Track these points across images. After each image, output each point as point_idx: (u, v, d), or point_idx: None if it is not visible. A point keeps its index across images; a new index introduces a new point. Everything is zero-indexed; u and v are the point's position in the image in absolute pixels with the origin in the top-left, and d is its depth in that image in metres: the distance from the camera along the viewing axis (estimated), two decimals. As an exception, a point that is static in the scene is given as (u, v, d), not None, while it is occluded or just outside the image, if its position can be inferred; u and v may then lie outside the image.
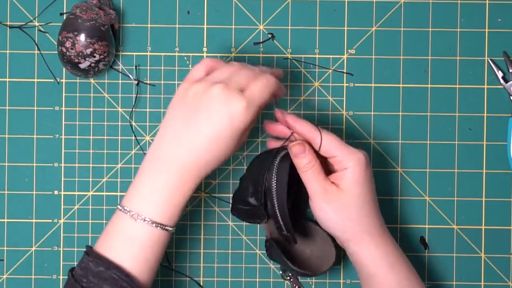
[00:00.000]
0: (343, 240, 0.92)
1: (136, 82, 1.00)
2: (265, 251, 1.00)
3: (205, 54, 1.01)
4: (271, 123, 0.95)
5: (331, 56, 1.02)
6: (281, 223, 0.92)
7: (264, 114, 1.00)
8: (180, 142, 0.88)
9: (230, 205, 0.98)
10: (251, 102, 0.87)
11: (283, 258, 0.95)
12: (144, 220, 0.87)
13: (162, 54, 1.01)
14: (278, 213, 0.91)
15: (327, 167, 0.94)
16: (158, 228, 0.87)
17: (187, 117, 0.88)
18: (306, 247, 0.98)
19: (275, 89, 0.89)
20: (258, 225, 1.01)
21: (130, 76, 1.01)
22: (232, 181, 1.01)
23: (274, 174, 0.92)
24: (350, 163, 0.91)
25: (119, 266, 0.86)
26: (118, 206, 0.89)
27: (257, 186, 0.92)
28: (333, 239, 0.95)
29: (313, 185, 0.91)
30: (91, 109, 1.01)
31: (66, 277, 1.01)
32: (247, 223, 1.01)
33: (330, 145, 0.91)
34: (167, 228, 0.88)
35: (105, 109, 1.01)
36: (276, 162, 0.92)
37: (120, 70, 1.01)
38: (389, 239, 0.93)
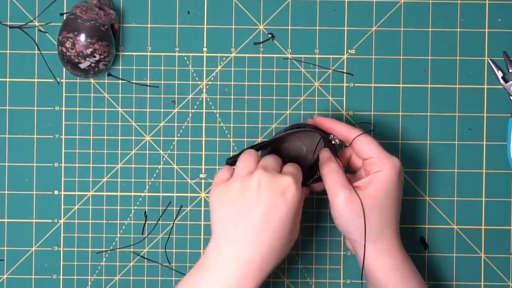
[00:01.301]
0: (360, 245, 0.91)
1: (108, 75, 1.00)
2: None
3: (205, 54, 1.02)
4: (312, 120, 0.97)
5: (331, 56, 1.02)
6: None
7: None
8: (239, 241, 0.85)
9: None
10: (295, 177, 0.87)
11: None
12: None
13: (162, 54, 1.01)
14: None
15: (355, 174, 0.95)
16: None
17: (237, 214, 0.85)
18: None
19: (301, 177, 0.90)
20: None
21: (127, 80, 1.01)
22: (232, 181, 1.01)
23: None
24: (384, 166, 0.91)
25: None
26: None
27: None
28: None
29: (336, 186, 0.90)
30: (91, 109, 1.01)
31: (66, 277, 1.01)
32: None
33: (369, 145, 0.92)
34: None
35: (105, 109, 1.01)
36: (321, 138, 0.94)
37: (119, 76, 1.01)
38: (402, 251, 0.93)
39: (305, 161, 0.97)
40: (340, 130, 0.93)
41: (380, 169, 0.91)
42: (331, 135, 0.94)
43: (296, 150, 0.97)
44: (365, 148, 0.92)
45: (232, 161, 0.92)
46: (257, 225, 0.85)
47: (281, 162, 0.91)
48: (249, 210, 0.85)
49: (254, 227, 0.85)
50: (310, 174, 0.95)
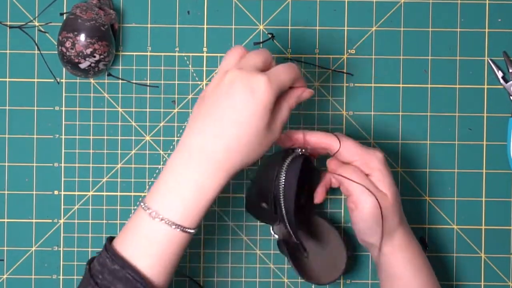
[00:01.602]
0: (373, 241, 0.92)
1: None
2: (265, 251, 1.00)
3: (205, 54, 1.01)
4: (284, 135, 0.92)
5: (331, 56, 1.02)
6: (290, 230, 0.91)
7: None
8: (205, 132, 0.83)
9: (244, 204, 0.97)
10: (272, 77, 0.84)
11: (291, 264, 0.95)
12: (162, 219, 0.82)
13: (162, 54, 1.01)
14: (286, 221, 0.91)
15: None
16: (177, 229, 0.82)
17: (209, 109, 0.84)
18: (317, 254, 0.98)
19: (296, 75, 0.86)
20: (258, 224, 1.01)
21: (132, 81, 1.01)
22: (232, 181, 1.01)
23: (282, 183, 0.89)
24: (373, 165, 0.91)
25: (133, 266, 0.82)
26: (140, 203, 0.84)
27: (267, 193, 0.91)
28: (346, 247, 0.96)
29: (365, 192, 0.91)
30: (91, 109, 1.01)
31: (66, 277, 1.01)
32: (260, 223, 1.01)
33: (349, 150, 0.92)
34: (187, 230, 0.83)
35: (105, 109, 1.01)
36: (284, 167, 0.90)
37: (120, 76, 1.01)
38: (415, 242, 0.94)
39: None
40: (318, 140, 0.92)
41: (368, 171, 0.91)
42: (296, 149, 0.92)
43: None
44: (347, 153, 0.92)
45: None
46: (223, 119, 0.83)
47: (269, 59, 0.87)
48: (218, 106, 0.84)
49: (220, 121, 0.83)
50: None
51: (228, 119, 0.83)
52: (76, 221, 1.01)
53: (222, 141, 0.83)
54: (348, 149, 0.92)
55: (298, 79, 0.87)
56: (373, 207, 0.90)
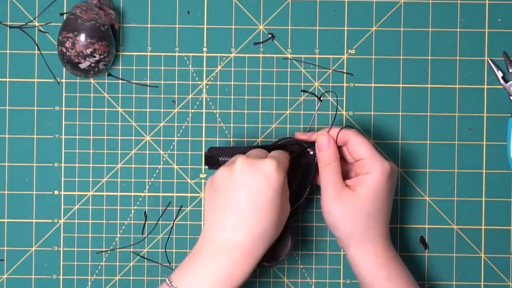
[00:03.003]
0: (345, 243, 0.93)
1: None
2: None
3: (205, 54, 1.02)
4: (300, 133, 0.97)
5: (331, 56, 1.02)
6: None
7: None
8: (227, 225, 0.86)
9: None
10: (279, 160, 0.88)
11: None
12: None
13: (162, 54, 1.01)
14: None
15: (346, 173, 0.95)
16: None
17: (225, 199, 0.87)
18: None
19: (287, 158, 0.91)
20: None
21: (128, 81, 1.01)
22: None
23: None
24: (374, 169, 0.91)
25: None
26: (166, 279, 0.87)
27: None
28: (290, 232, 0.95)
29: (328, 182, 0.92)
30: (91, 109, 1.01)
31: (66, 277, 1.01)
32: None
33: (360, 146, 0.92)
34: None
35: (105, 109, 1.01)
36: None
37: (120, 76, 1.01)
38: (391, 251, 0.94)
39: (293, 181, 0.96)
40: (332, 133, 0.94)
41: (369, 171, 0.91)
42: (308, 147, 0.94)
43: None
44: (357, 149, 0.93)
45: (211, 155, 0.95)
46: (243, 209, 0.86)
47: (266, 153, 0.92)
48: (234, 195, 0.87)
49: (240, 211, 0.86)
50: (298, 194, 0.95)
51: (247, 208, 0.86)
52: (76, 221, 1.01)
53: (246, 231, 0.86)
54: (360, 145, 0.92)
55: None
56: (335, 200, 0.91)
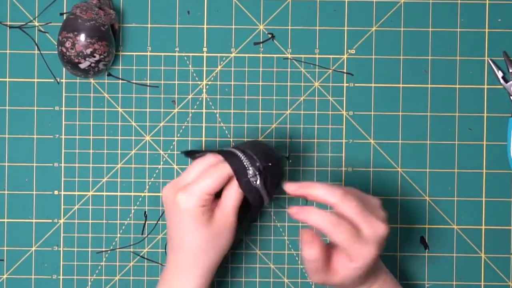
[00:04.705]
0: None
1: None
2: (265, 251, 1.00)
3: (205, 54, 1.01)
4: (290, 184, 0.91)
5: (331, 56, 1.02)
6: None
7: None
8: (168, 250, 0.94)
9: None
10: (189, 190, 0.89)
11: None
12: None
13: (162, 54, 1.01)
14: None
15: None
16: None
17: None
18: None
19: (224, 174, 0.90)
20: (259, 224, 1.01)
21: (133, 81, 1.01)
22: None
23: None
24: (358, 261, 0.87)
25: None
26: None
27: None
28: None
29: (313, 278, 0.90)
30: (91, 109, 1.01)
31: (66, 277, 1.01)
32: (260, 223, 1.01)
33: (349, 213, 0.87)
34: None
35: (105, 109, 1.01)
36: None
37: (120, 76, 1.01)
38: (389, 276, 0.93)
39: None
40: (318, 194, 0.88)
41: (351, 261, 0.87)
42: (251, 176, 0.91)
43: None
44: (340, 237, 0.87)
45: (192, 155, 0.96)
46: (171, 236, 0.92)
47: (218, 160, 0.91)
48: (169, 226, 0.93)
49: (171, 237, 0.92)
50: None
51: (174, 235, 0.92)
52: (76, 221, 1.01)
53: (177, 257, 0.92)
54: (341, 234, 0.87)
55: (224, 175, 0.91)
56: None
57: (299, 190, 0.89)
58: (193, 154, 0.95)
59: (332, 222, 0.86)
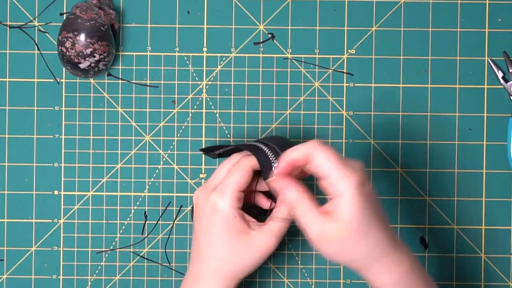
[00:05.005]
0: (355, 269, 0.86)
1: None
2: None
3: (205, 54, 1.01)
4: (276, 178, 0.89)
5: (331, 56, 1.02)
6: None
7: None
8: (192, 255, 0.93)
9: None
10: (220, 191, 0.89)
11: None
12: None
13: (162, 54, 1.01)
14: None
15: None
16: None
17: (194, 235, 0.93)
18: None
19: (247, 166, 0.89)
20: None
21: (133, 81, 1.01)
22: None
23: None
24: (344, 188, 0.82)
25: None
26: None
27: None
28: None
29: (307, 225, 0.84)
30: (91, 109, 1.01)
31: (66, 277, 1.01)
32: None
33: (323, 164, 0.83)
34: None
35: (105, 109, 1.01)
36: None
37: (119, 76, 1.01)
38: (404, 259, 0.86)
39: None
40: (292, 157, 0.85)
41: (340, 192, 0.82)
42: (274, 162, 0.90)
43: None
44: (320, 167, 0.83)
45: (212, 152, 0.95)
46: (200, 243, 0.91)
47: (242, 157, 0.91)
48: (194, 228, 0.92)
49: (198, 244, 0.91)
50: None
51: (202, 242, 0.91)
52: (76, 221, 1.01)
53: (201, 263, 0.91)
54: (322, 162, 0.83)
55: (251, 166, 0.90)
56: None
57: (280, 166, 0.86)
58: (212, 151, 0.95)
59: (317, 145, 0.84)
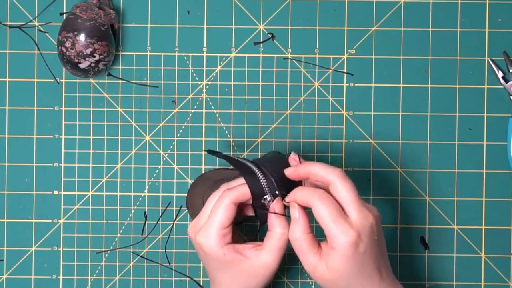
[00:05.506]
0: None
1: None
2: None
3: (205, 54, 1.01)
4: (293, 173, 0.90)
5: (331, 56, 1.02)
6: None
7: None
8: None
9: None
10: (205, 230, 0.89)
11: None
12: None
13: (162, 54, 1.01)
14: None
15: None
16: None
17: None
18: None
19: (229, 204, 0.88)
20: (258, 224, 1.01)
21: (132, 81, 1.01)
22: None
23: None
24: (338, 244, 0.84)
25: None
26: None
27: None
28: None
29: (303, 260, 0.88)
30: (91, 109, 1.01)
31: (66, 277, 1.01)
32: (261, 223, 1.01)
33: (322, 217, 0.85)
34: None
35: (105, 109, 1.01)
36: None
37: (120, 76, 1.01)
38: None
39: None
40: (316, 172, 0.87)
41: (333, 246, 0.85)
42: (268, 201, 0.89)
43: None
44: (320, 219, 0.85)
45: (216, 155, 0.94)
46: (209, 275, 0.92)
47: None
48: (204, 265, 0.93)
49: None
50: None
51: (207, 270, 0.92)
52: (76, 221, 1.01)
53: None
54: (321, 212, 0.85)
55: (238, 197, 0.90)
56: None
57: (298, 170, 0.88)
58: (216, 154, 0.93)
59: (321, 196, 0.85)
